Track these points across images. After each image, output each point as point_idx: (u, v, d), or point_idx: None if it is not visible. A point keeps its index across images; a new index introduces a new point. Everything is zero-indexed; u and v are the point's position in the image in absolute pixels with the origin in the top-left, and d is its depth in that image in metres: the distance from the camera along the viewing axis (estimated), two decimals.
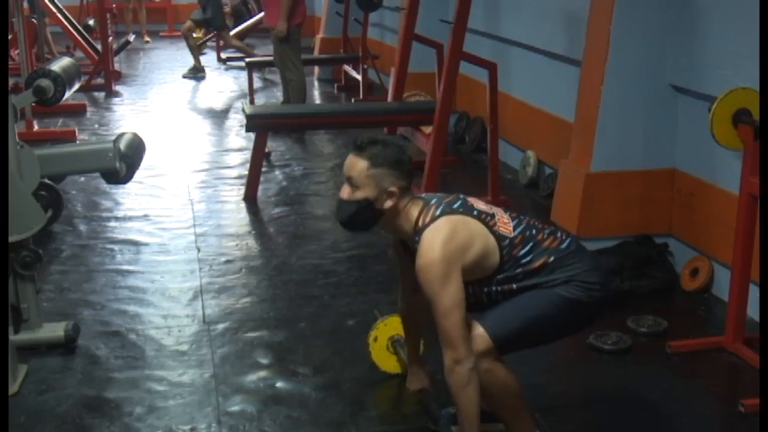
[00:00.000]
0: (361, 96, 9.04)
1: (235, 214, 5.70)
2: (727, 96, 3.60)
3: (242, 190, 5.97)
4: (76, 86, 4.76)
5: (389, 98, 6.96)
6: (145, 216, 5.57)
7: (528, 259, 2.65)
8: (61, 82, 4.29)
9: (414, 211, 2.67)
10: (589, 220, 4.54)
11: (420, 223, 2.63)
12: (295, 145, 7.39)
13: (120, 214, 5.63)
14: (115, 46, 10.47)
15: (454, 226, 2.58)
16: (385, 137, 2.78)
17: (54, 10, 9.93)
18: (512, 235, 2.65)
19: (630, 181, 4.55)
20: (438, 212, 2.61)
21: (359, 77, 9.19)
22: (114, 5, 11.19)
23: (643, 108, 4.53)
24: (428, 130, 5.88)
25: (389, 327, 3.43)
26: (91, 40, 10.41)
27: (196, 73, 10.93)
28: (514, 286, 2.66)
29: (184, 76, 10.85)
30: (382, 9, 9.05)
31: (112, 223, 5.44)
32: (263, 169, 6.12)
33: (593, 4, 4.64)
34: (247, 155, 6.31)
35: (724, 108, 3.58)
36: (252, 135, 6.10)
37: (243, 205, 5.82)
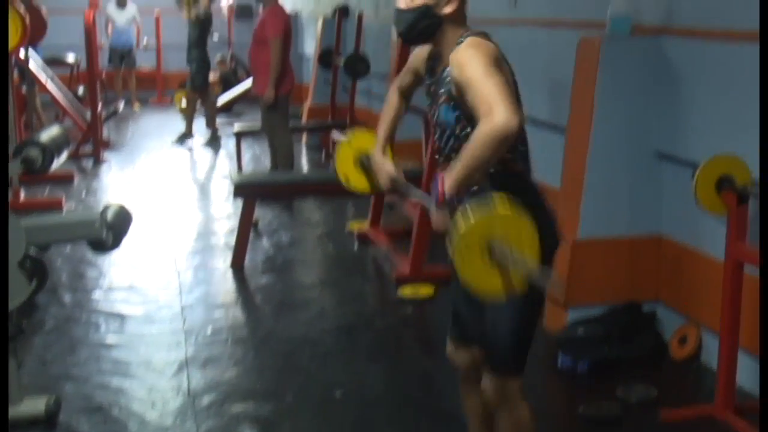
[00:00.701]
0: None
1: (222, 283, 5.67)
2: (710, 162, 3.63)
3: (229, 259, 5.95)
4: (65, 155, 4.77)
5: None
6: (131, 286, 5.53)
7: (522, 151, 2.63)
8: (50, 151, 4.30)
9: (466, 28, 2.59)
10: (577, 287, 4.53)
11: (467, 34, 2.55)
12: (282, 212, 7.39)
13: (105, 284, 5.59)
14: (104, 114, 10.51)
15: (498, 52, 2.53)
16: None
17: (43, 79, 9.98)
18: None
19: (617, 248, 4.56)
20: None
21: None
22: (104, 73, 11.26)
23: (628, 174, 4.55)
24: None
25: (354, 145, 3.24)
26: (81, 109, 10.45)
27: (214, 141, 10.93)
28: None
29: (175, 143, 10.85)
30: (370, 77, 9.14)
31: (97, 294, 5.40)
32: (250, 237, 6.11)
33: (577, 72, 4.69)
34: (235, 223, 6.30)
35: (707, 174, 3.61)
36: (240, 202, 6.10)
37: (230, 273, 5.79)
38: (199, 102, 11.20)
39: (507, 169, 2.55)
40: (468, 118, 2.48)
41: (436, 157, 2.73)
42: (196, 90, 10.95)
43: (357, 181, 3.21)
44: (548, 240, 2.51)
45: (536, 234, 2.29)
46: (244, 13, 16.24)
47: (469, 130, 2.46)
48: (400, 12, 2.59)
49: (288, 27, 7.68)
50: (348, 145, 3.21)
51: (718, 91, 4.09)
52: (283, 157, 7.80)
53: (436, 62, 2.68)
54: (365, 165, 3.15)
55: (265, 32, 7.55)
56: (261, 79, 7.73)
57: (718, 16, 4.08)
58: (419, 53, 2.80)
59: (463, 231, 2.23)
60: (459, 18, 2.57)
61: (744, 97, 3.88)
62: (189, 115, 11.19)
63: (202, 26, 10.76)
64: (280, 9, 7.83)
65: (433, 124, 2.69)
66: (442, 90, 2.57)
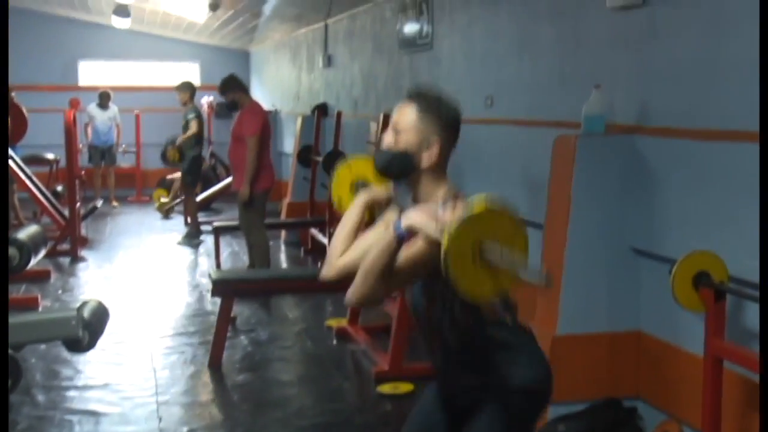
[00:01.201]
0: None
1: (199, 381, 5.60)
2: (687, 259, 3.66)
3: (207, 356, 5.89)
4: (42, 253, 4.77)
5: None
6: (106, 384, 5.45)
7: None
8: (27, 250, 4.31)
9: (445, 183, 2.59)
10: (557, 383, 4.47)
11: (453, 192, 2.54)
12: (260, 309, 7.36)
13: (80, 383, 5.51)
14: (82, 212, 10.52)
15: None
16: (443, 93, 2.68)
17: (22, 176, 10.01)
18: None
19: (596, 344, 4.55)
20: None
21: (326, 241, 9.26)
22: (83, 171, 11.31)
23: (606, 271, 4.58)
24: (394, 294, 5.90)
25: (348, 170, 3.17)
26: (59, 206, 10.45)
27: (192, 239, 10.87)
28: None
29: (179, 243, 10.81)
30: None
31: (72, 393, 5.32)
32: (228, 335, 6.07)
33: (553, 170, 4.76)
34: (213, 320, 6.26)
35: (684, 271, 3.64)
36: (218, 299, 6.07)
37: (207, 371, 5.73)
38: (181, 198, 11.25)
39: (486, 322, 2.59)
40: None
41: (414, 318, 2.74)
42: (186, 186, 11.03)
43: (349, 205, 3.13)
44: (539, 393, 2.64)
45: (520, 226, 2.33)
46: (224, 111, 16.43)
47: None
48: (380, 150, 2.67)
49: (265, 124, 7.75)
50: (347, 168, 3.19)
51: (692, 188, 4.15)
52: (258, 255, 7.79)
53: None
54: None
55: (243, 130, 7.62)
56: (240, 176, 7.78)
57: (691, 116, 4.17)
58: (392, 213, 2.77)
59: (451, 237, 2.20)
60: (438, 169, 2.60)
61: (718, 194, 3.95)
62: (166, 215, 11.24)
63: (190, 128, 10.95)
64: (258, 106, 7.93)
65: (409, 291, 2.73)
66: None
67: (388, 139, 2.63)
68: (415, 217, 2.37)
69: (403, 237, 2.37)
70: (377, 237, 2.66)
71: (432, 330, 2.61)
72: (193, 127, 10.92)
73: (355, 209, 2.80)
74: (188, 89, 11.20)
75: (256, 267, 7.76)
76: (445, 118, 2.59)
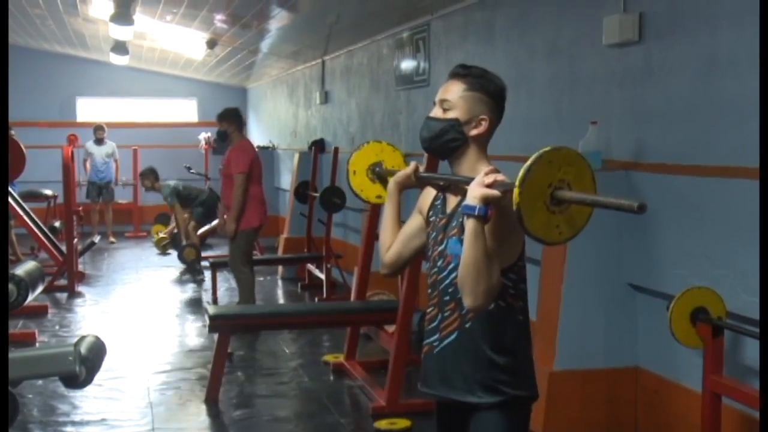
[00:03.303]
0: (324, 295, 9.08)
1: (196, 417, 5.58)
2: (684, 295, 3.67)
3: (203, 392, 5.87)
4: (40, 289, 4.77)
5: (352, 297, 7.00)
6: (103, 420, 5.43)
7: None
8: (24, 286, 4.30)
9: (486, 160, 2.60)
10: (554, 419, 4.50)
11: (493, 168, 2.50)
12: (257, 344, 7.34)
13: (77, 418, 5.48)
14: (80, 248, 10.52)
15: None
16: (487, 70, 2.64)
17: (20, 212, 10.03)
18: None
19: (594, 380, 4.56)
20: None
21: (323, 276, 9.26)
22: (80, 207, 11.34)
23: (603, 307, 4.59)
24: (391, 329, 5.90)
25: (365, 155, 3.19)
26: (56, 242, 10.46)
27: (195, 275, 10.87)
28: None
29: (181, 274, 10.80)
30: (346, 210, 9.26)
31: (69, 428, 5.29)
32: (225, 370, 6.05)
33: None
34: (210, 355, 6.24)
35: (681, 307, 3.65)
36: (215, 335, 6.06)
37: (204, 407, 5.71)
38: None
39: (508, 305, 2.55)
40: None
41: (429, 291, 2.67)
42: (198, 220, 11.11)
43: (371, 191, 3.20)
44: (524, 387, 2.56)
45: (583, 161, 2.27)
46: (221, 147, 16.47)
47: None
48: (429, 119, 2.63)
49: (254, 162, 7.69)
50: (361, 155, 3.21)
51: (689, 224, 4.18)
52: (244, 292, 7.76)
53: (444, 200, 2.69)
54: (379, 173, 3.16)
55: (231, 168, 7.64)
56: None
57: (687, 152, 4.21)
58: (426, 197, 2.79)
59: (520, 188, 2.15)
60: (483, 143, 2.61)
61: (715, 230, 3.98)
62: (164, 251, 11.26)
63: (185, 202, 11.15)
64: (247, 144, 7.90)
65: (432, 258, 2.65)
66: (455, 223, 2.55)
67: (436, 112, 2.62)
68: (478, 190, 2.32)
69: (486, 213, 2.32)
70: (416, 221, 2.75)
71: (454, 298, 2.54)
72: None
73: (391, 200, 2.84)
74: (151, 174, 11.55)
75: (241, 303, 7.73)
76: (492, 96, 2.58)
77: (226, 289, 9.81)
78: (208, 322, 5.95)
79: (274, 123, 14.62)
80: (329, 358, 6.67)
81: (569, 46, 5.24)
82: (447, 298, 2.57)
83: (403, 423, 5.20)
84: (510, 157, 5.91)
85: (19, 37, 13.72)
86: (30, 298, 4.48)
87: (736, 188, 3.82)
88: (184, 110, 16.98)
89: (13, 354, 4.18)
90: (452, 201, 2.63)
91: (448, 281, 2.57)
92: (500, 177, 2.32)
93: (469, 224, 2.33)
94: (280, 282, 10.58)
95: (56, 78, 15.81)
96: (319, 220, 9.70)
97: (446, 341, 2.58)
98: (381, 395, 5.51)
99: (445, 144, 2.60)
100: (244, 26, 9.64)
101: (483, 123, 2.56)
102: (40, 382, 5.98)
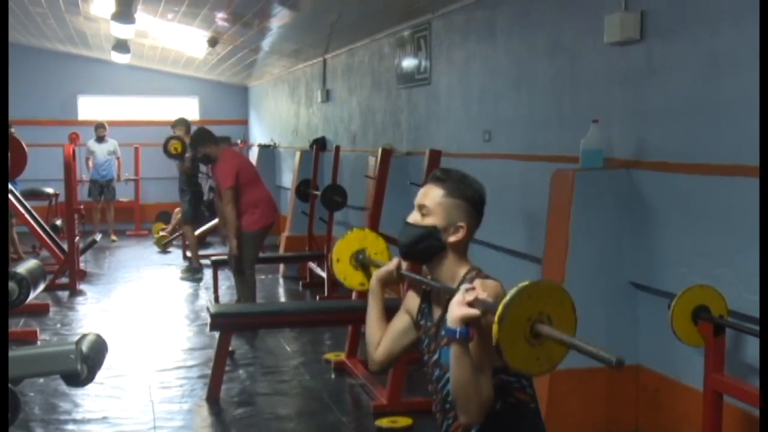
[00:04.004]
0: (326, 293, 9.08)
1: (197, 415, 5.58)
2: (685, 293, 3.67)
3: (205, 390, 5.87)
4: (41, 287, 4.77)
5: (354, 296, 7.00)
6: (104, 418, 5.44)
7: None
8: (26, 284, 4.30)
9: (467, 262, 2.57)
10: (555, 417, 4.50)
11: (475, 271, 2.50)
12: (259, 343, 7.34)
13: (78, 416, 5.49)
14: (81, 246, 10.52)
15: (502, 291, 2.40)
16: (467, 174, 2.64)
17: (22, 210, 10.03)
18: None
19: (595, 378, 4.55)
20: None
21: (324, 274, 9.26)
22: (82, 205, 11.34)
23: (604, 305, 4.59)
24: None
25: (349, 243, 3.19)
26: (58, 240, 10.47)
27: (194, 274, 10.86)
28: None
29: (182, 278, 10.78)
30: (347, 208, 9.25)
31: (70, 426, 5.30)
32: (227, 368, 6.05)
33: (551, 203, 4.79)
34: (211, 354, 6.25)
35: (682, 305, 3.65)
36: (216, 333, 6.06)
37: (205, 405, 5.71)
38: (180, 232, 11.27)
39: (516, 400, 2.47)
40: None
41: (432, 396, 2.62)
42: (187, 222, 11.05)
43: (354, 279, 3.21)
44: None
45: (567, 296, 2.20)
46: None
47: None
48: (407, 225, 2.60)
49: (241, 169, 7.70)
50: (345, 243, 3.22)
51: (690, 222, 4.18)
52: (246, 293, 7.76)
53: (430, 305, 2.66)
54: (362, 261, 3.17)
55: (220, 185, 7.71)
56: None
57: (688, 150, 4.21)
58: (412, 297, 2.76)
59: (501, 321, 2.09)
60: (461, 249, 2.58)
61: (717, 228, 3.98)
62: (164, 249, 11.22)
63: (191, 171, 11.01)
64: (229, 155, 7.87)
65: (430, 366, 2.62)
66: (443, 332, 2.43)
67: (414, 217, 2.60)
68: (459, 311, 2.23)
69: (467, 334, 2.24)
70: (403, 320, 2.75)
71: (455, 407, 2.45)
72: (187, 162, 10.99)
73: (374, 297, 2.85)
74: (183, 125, 11.31)
75: (242, 302, 7.74)
76: (471, 201, 2.56)
77: (227, 287, 9.80)
78: (209, 320, 5.96)
79: (276, 121, 14.63)
80: (330, 356, 6.67)
81: (570, 45, 5.23)
82: (448, 406, 2.53)
83: (405, 421, 5.20)
84: (511, 156, 5.93)
85: (21, 35, 13.72)
86: (31, 296, 4.47)
87: (737, 186, 3.82)
88: (186, 108, 16.96)
89: (15, 352, 4.18)
90: (437, 309, 2.61)
91: (446, 391, 2.51)
92: (482, 294, 2.22)
93: (453, 348, 2.26)
94: (281, 280, 10.58)
95: (58, 76, 15.81)
96: (321, 218, 9.69)
97: None
98: (382, 393, 5.51)
99: (423, 251, 2.58)
100: (245, 25, 9.64)
101: (461, 230, 2.54)
102: (41, 380, 5.98)
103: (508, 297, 2.11)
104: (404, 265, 2.83)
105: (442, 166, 2.67)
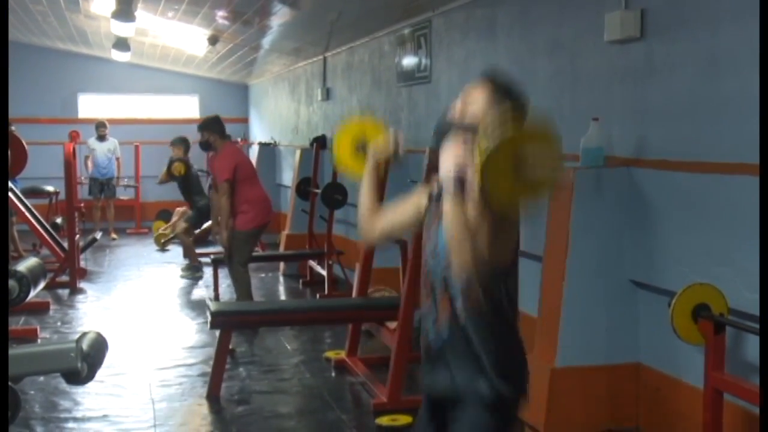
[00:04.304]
0: (326, 291, 9.09)
1: (197, 414, 5.58)
2: (686, 291, 3.67)
3: (205, 388, 5.87)
4: (41, 285, 4.78)
5: (354, 294, 7.00)
6: (105, 416, 5.43)
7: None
8: (26, 282, 4.30)
9: None
10: (556, 415, 4.50)
11: None
12: (259, 341, 7.34)
13: (79, 414, 5.49)
14: (81, 244, 10.52)
15: None
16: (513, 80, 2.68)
17: (22, 208, 10.04)
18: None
19: (595, 376, 4.56)
20: None
21: (324, 273, 9.26)
22: (82, 203, 11.34)
23: (605, 303, 4.59)
24: (393, 325, 5.90)
25: (349, 133, 3.19)
26: (58, 238, 10.47)
27: (194, 272, 10.86)
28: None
29: (182, 277, 10.79)
30: (347, 206, 9.25)
31: (70, 424, 5.30)
32: (227, 366, 6.05)
33: (551, 203, 4.78)
34: (211, 352, 6.25)
35: (683, 304, 3.65)
36: (216, 331, 6.06)
37: (205, 403, 5.71)
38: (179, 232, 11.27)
39: (499, 307, 2.55)
40: None
41: (425, 288, 2.66)
42: (189, 222, 11.06)
43: (357, 167, 3.17)
44: (512, 385, 2.56)
45: (552, 134, 2.33)
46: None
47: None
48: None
49: (240, 165, 7.71)
50: (346, 132, 3.21)
51: (691, 220, 4.18)
52: (241, 292, 7.76)
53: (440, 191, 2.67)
54: (364, 149, 3.13)
55: (216, 177, 7.69)
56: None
57: (688, 149, 4.21)
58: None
59: (486, 153, 2.17)
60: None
61: (717, 226, 3.98)
62: (163, 247, 11.22)
63: (185, 180, 11.05)
64: (230, 149, 7.87)
65: (425, 245, 2.65)
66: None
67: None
68: (449, 166, 2.35)
69: (461, 181, 2.35)
70: (418, 200, 2.74)
71: (445, 291, 2.55)
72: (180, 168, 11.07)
73: (369, 173, 2.90)
74: (182, 144, 11.39)
75: (238, 300, 7.74)
76: (517, 108, 2.58)
77: (227, 285, 9.80)
78: (209, 318, 5.96)
79: (276, 120, 14.62)
80: (331, 354, 6.67)
81: (571, 43, 5.23)
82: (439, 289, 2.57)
83: (405, 419, 5.20)
84: None
85: (21, 33, 13.72)
86: (32, 294, 4.48)
87: (737, 185, 3.82)
88: (186, 107, 16.97)
89: (15, 350, 4.19)
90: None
91: (438, 249, 2.56)
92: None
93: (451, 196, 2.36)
94: (281, 278, 10.58)
95: (58, 75, 15.81)
96: (321, 216, 9.69)
97: (441, 335, 2.60)
98: (383, 392, 5.51)
99: None
100: (245, 23, 9.64)
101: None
102: (41, 378, 5.98)
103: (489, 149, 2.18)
104: (401, 139, 2.89)
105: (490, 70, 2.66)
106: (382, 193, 2.92)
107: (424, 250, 2.68)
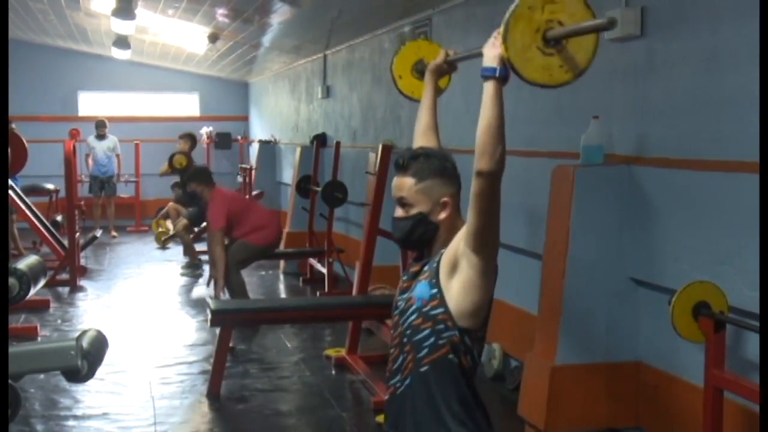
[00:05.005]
0: (326, 289, 9.09)
1: (198, 411, 5.59)
2: (686, 289, 3.67)
3: (205, 386, 5.88)
4: (41, 283, 4.78)
5: (354, 291, 7.00)
6: (105, 414, 5.44)
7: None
8: (26, 280, 4.31)
9: (459, 217, 2.55)
10: (556, 413, 4.50)
11: None
12: (259, 339, 7.35)
13: (79, 412, 5.49)
14: (81, 242, 10.52)
15: None
16: (425, 149, 2.64)
17: (22, 206, 10.03)
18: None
19: (595, 374, 4.56)
20: None
21: (325, 270, 9.27)
22: (82, 201, 11.34)
23: (605, 301, 4.59)
24: None
25: (405, 58, 3.22)
26: (58, 236, 10.47)
27: (194, 270, 10.87)
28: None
29: (182, 275, 10.79)
30: (347, 204, 9.25)
31: (71, 422, 5.30)
32: (227, 364, 6.06)
33: (552, 199, 4.78)
34: (211, 350, 6.25)
35: (683, 301, 3.64)
36: (217, 329, 6.07)
37: (206, 401, 5.72)
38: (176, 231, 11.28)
39: (459, 362, 2.47)
40: (442, 300, 2.44)
41: (391, 350, 2.64)
42: (188, 219, 11.06)
43: (408, 83, 3.25)
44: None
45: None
46: (223, 142, 16.51)
47: (440, 310, 2.43)
48: (396, 220, 2.58)
49: (231, 206, 7.76)
50: (413, 48, 3.26)
51: (691, 218, 4.17)
52: (237, 293, 7.76)
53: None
54: (422, 70, 3.17)
55: (209, 222, 7.76)
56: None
57: (688, 146, 4.20)
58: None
59: (507, 40, 2.15)
60: (455, 216, 2.54)
61: (717, 224, 3.97)
62: (163, 246, 11.24)
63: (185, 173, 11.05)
64: (219, 196, 7.84)
65: (395, 307, 2.63)
66: (426, 268, 2.53)
67: (399, 212, 2.56)
68: (494, 50, 2.37)
69: (507, 73, 2.38)
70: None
71: (410, 341, 2.52)
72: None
73: (427, 85, 3.01)
74: (189, 139, 11.41)
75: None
76: (443, 174, 2.53)
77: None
78: (209, 316, 5.96)
79: (276, 117, 14.62)
80: (331, 352, 6.68)
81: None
82: (406, 340, 2.54)
83: None
84: (513, 152, 5.91)
85: (21, 31, 13.72)
86: (32, 292, 4.48)
87: (738, 183, 3.81)
88: (186, 105, 16.98)
89: (15, 348, 4.19)
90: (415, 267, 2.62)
91: (407, 324, 2.53)
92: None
93: (489, 86, 2.36)
94: (281, 276, 10.58)
95: (58, 72, 15.81)
96: (321, 214, 9.69)
97: (406, 383, 2.58)
98: (383, 389, 5.51)
99: (420, 239, 2.56)
100: (245, 21, 9.63)
101: (447, 205, 2.52)
102: (41, 376, 5.99)
103: (507, 14, 2.19)
104: (451, 52, 3.02)
105: (399, 153, 2.63)
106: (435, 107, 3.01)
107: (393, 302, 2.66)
